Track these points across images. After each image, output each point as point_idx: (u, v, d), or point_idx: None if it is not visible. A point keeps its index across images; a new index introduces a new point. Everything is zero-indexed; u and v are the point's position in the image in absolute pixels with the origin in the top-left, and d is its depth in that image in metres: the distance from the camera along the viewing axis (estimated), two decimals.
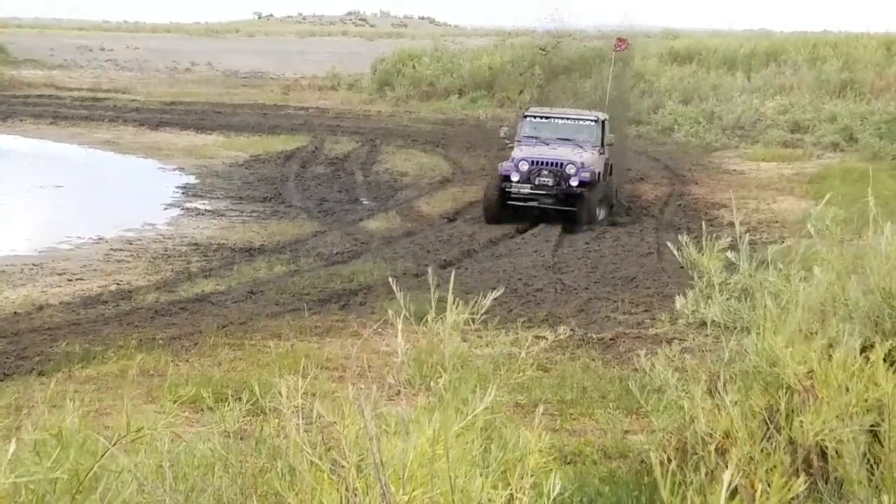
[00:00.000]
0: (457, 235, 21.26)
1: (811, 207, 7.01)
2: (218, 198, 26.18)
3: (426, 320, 5.87)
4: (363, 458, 4.02)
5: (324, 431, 4.52)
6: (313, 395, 4.89)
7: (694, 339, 7.01)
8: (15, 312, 14.92)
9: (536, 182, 22.18)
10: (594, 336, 12.69)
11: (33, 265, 18.35)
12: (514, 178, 22.23)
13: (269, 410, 5.11)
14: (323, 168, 30.80)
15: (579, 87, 41.21)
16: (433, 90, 46.97)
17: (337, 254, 19.60)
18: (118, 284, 17.12)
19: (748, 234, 6.51)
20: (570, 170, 22.02)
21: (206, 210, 24.45)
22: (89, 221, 22.09)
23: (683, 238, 6.59)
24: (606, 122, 23.80)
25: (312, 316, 14.26)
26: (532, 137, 23.14)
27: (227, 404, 5.49)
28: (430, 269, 6.10)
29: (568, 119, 23.69)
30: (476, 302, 5.10)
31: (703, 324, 6.65)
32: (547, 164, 22.30)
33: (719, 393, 5.55)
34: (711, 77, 41.11)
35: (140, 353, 11.87)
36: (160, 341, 12.72)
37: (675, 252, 6.64)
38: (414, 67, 48.77)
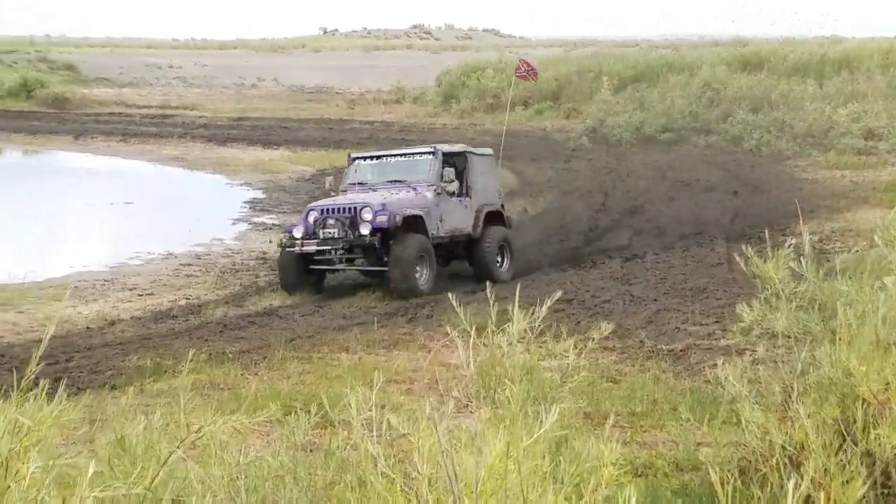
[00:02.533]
0: (523, 247, 21.18)
1: (885, 216, 6.89)
2: (285, 212, 26.32)
3: (489, 332, 5.84)
4: (435, 471, 3.99)
5: (393, 444, 4.51)
6: (382, 407, 4.87)
7: (766, 351, 6.91)
8: (88, 327, 15.10)
9: (322, 235, 17.55)
10: (664, 347, 12.57)
11: (105, 281, 18.57)
12: (297, 233, 17.67)
13: (338, 423, 5.10)
14: None
15: (646, 96, 41.09)
16: (498, 102, 46.90)
17: None
18: (188, 299, 17.26)
19: (821, 243, 6.43)
20: (366, 214, 17.29)
21: (273, 224, 24.59)
22: (159, 237, 22.29)
23: (750, 248, 6.50)
24: (455, 156, 19.27)
25: (380, 329, 14.26)
26: (358, 184, 18.94)
27: (295, 417, 5.49)
28: (487, 283, 6.07)
29: (401, 157, 19.36)
30: (538, 313, 5.07)
31: (775, 335, 6.55)
32: (336, 210, 17.70)
33: (793, 405, 5.47)
34: (782, 85, 40.63)
35: (210, 366, 11.94)
36: (230, 355, 12.77)
37: (741, 262, 6.56)
38: (478, 80, 48.73)
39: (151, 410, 5.06)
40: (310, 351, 13.09)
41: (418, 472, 4.02)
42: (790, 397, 5.59)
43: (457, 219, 18.71)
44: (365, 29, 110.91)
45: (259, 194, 29.36)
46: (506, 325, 5.96)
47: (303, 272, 17.71)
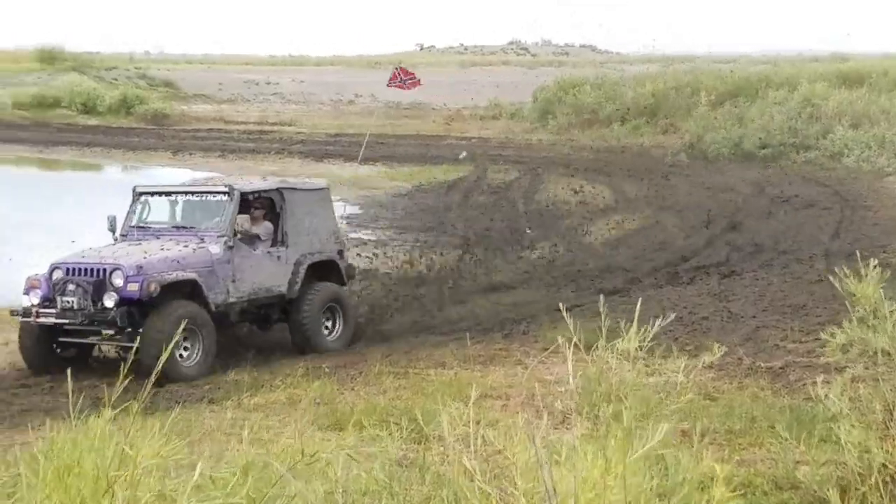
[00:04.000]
0: (620, 263, 21.06)
1: None
2: (381, 227, 26.42)
3: (595, 347, 5.80)
4: (532, 486, 3.99)
5: (489, 459, 4.51)
6: (478, 423, 4.89)
7: (866, 368, 6.80)
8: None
9: (60, 303, 13.92)
10: (763, 365, 12.43)
11: None
12: (35, 298, 14.08)
13: (433, 438, 5.11)
14: (485, 197, 30.85)
15: (745, 112, 40.70)
16: (595, 118, 46.76)
17: (500, 282, 19.60)
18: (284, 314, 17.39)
19: None
20: (117, 279, 13.74)
21: (369, 240, 24.68)
22: None
23: (848, 266, 6.41)
24: (263, 196, 15.54)
25: (475, 345, 14.26)
26: (142, 228, 15.31)
27: (391, 432, 5.50)
28: (601, 297, 6.03)
29: (192, 196, 15.51)
30: (645, 330, 5.04)
31: (875, 353, 6.45)
32: (80, 271, 14.04)
33: (894, 423, 5.38)
34: (882, 101, 40.00)
35: (307, 381, 12.03)
36: (326, 370, 12.87)
37: (834, 281, 6.46)
38: (575, 95, 48.63)
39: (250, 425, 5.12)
40: (406, 366, 13.13)
41: (515, 487, 4.02)
42: (891, 416, 5.51)
43: (262, 275, 15.03)
44: (461, 45, 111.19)
45: (356, 210, 29.52)
46: (607, 342, 5.94)
47: (49, 347, 14.22)
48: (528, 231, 25.83)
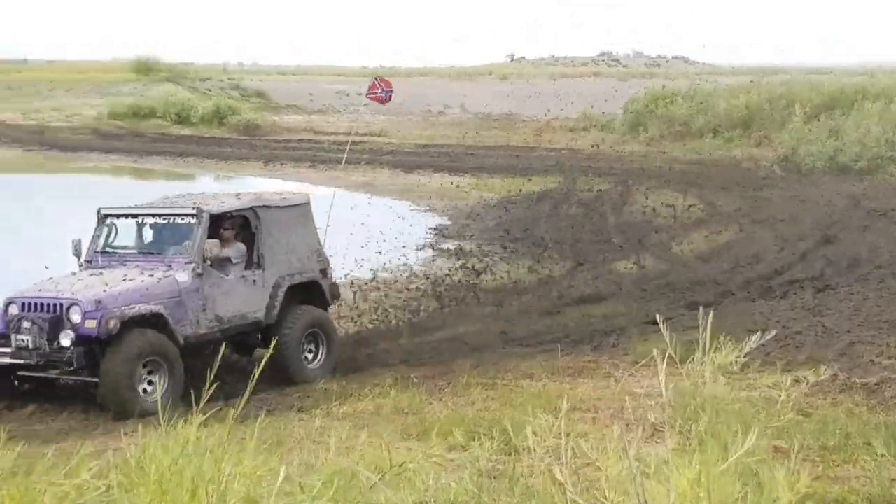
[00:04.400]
0: (711, 276, 20.84)
1: None
2: (469, 239, 26.42)
3: (689, 361, 5.72)
4: (623, 499, 3.93)
5: (579, 472, 4.46)
6: (567, 435, 4.83)
7: None
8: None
9: (14, 342, 12.99)
10: (858, 381, 12.20)
11: None
12: None
13: (522, 450, 5.06)
14: (575, 209, 30.72)
15: (840, 124, 40.09)
16: (687, 130, 46.39)
17: (589, 294, 19.49)
18: (373, 323, 17.46)
19: None
20: (74, 315, 12.74)
21: (458, 250, 24.69)
22: (344, 262, 22.59)
23: None
24: (235, 216, 14.35)
25: (564, 356, 14.19)
26: (109, 253, 14.19)
27: (480, 443, 5.47)
28: (701, 309, 5.91)
29: (159, 218, 14.19)
30: (739, 345, 4.96)
31: None
32: (36, 307, 13.05)
33: None
34: None
35: (395, 391, 12.04)
36: (414, 380, 12.87)
37: None
38: (667, 107, 48.31)
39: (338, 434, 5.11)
40: (494, 377, 13.09)
41: (605, 499, 3.96)
42: None
43: (235, 302, 13.91)
44: (552, 56, 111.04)
45: (445, 220, 29.57)
46: (697, 355, 5.84)
47: (7, 382, 13.28)
48: (618, 243, 25.67)
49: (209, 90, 68.89)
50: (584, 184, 35.15)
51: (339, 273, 21.51)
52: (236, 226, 14.26)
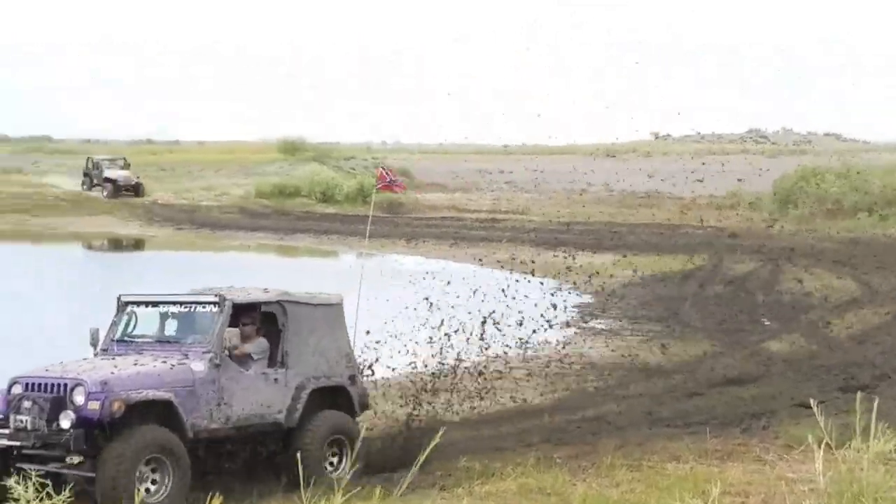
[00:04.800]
0: (867, 358, 20.10)
1: None
2: (614, 317, 26.11)
3: (846, 446, 5.32)
4: None
5: None
6: None
7: None
8: (419, 428, 15.11)
9: (13, 423, 12.11)
10: None
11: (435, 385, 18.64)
12: None
13: None
14: (722, 288, 30.20)
15: None
16: (839, 208, 45.42)
17: (738, 375, 18.96)
18: (515, 402, 17.19)
19: None
20: (78, 396, 11.84)
21: (602, 329, 24.41)
22: (487, 340, 22.33)
23: None
24: (259, 308, 13.37)
25: (713, 439, 13.73)
26: (126, 341, 13.33)
27: None
28: (858, 395, 5.52)
29: (180, 305, 13.39)
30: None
31: None
32: (39, 387, 12.24)
33: None
34: None
35: (538, 471, 11.77)
36: (557, 460, 12.57)
37: None
38: (818, 185, 47.42)
39: None
40: (639, 459, 12.71)
41: None
42: None
43: (254, 399, 12.90)
44: (698, 133, 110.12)
45: (588, 299, 29.27)
46: (853, 441, 5.46)
47: (5, 472, 11.57)
48: (767, 323, 25.08)
49: (353, 169, 69.88)
50: (731, 262, 34.55)
51: (479, 350, 21.29)
52: (259, 320, 13.27)
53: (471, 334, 16.23)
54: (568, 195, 61.08)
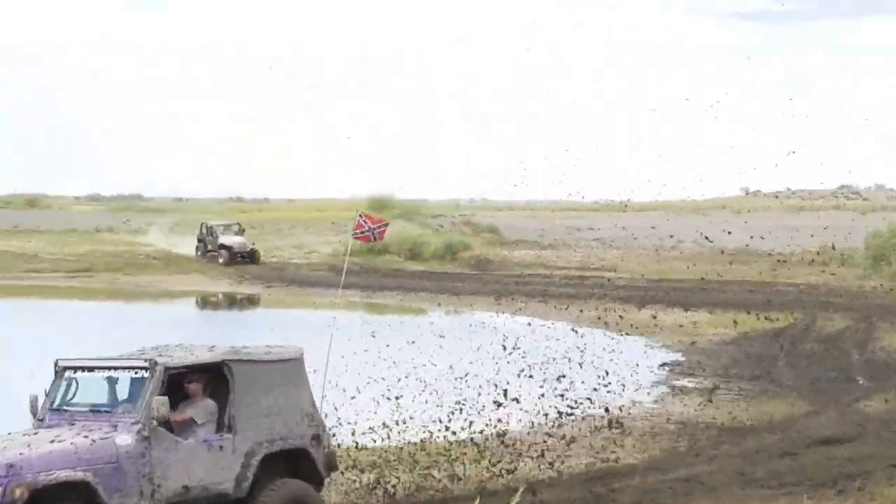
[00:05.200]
0: None
1: None
2: (705, 375, 25.85)
3: None
4: None
5: None
6: None
7: None
8: (508, 488, 15.08)
9: None
10: None
11: (524, 443, 18.59)
12: None
13: None
14: (815, 346, 29.84)
15: None
16: None
17: (832, 435, 18.68)
18: (606, 462, 17.07)
19: None
20: None
21: (693, 388, 24.19)
22: (578, 399, 22.26)
23: None
24: (199, 371, 12.10)
25: (807, 500, 13.55)
26: (61, 410, 12.00)
27: None
28: None
29: (113, 370, 12.04)
30: None
31: None
32: None
33: None
34: None
35: None
36: None
37: None
38: None
39: None
40: None
41: None
42: None
43: (196, 471, 11.59)
44: (789, 189, 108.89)
45: (678, 357, 29.06)
46: None
47: None
48: (861, 381, 24.70)
49: (441, 226, 70.13)
50: (824, 320, 34.14)
51: (567, 407, 21.20)
52: (206, 381, 12.09)
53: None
54: (657, 251, 60.78)
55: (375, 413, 18.30)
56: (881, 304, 37.70)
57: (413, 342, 25.68)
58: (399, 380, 19.80)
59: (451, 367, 21.54)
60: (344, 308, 43.68)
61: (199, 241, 63.48)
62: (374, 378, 20.20)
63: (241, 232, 64.00)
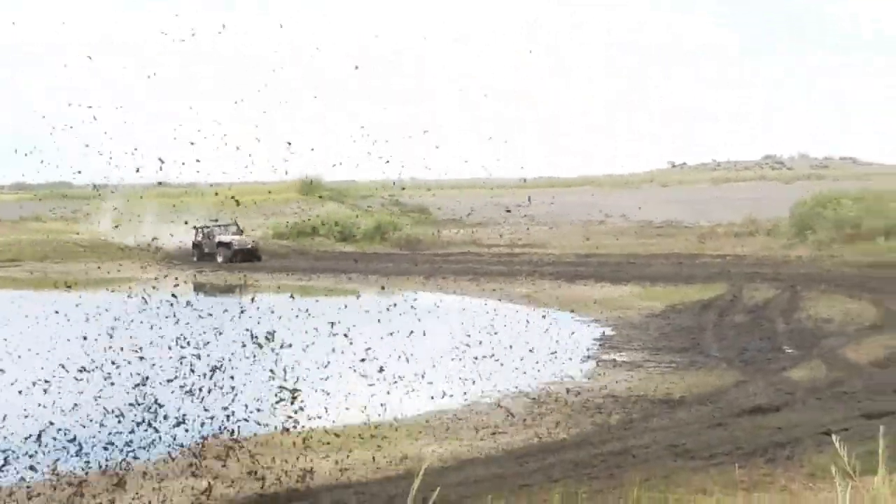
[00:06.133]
0: (890, 384, 20.03)
1: None
2: (635, 349, 26.04)
3: (870, 474, 5.32)
4: None
5: None
6: None
7: None
8: (443, 466, 15.17)
9: None
10: None
11: (457, 419, 18.71)
12: None
13: None
14: (742, 316, 30.13)
15: None
16: (857, 233, 45.30)
17: (760, 405, 18.90)
18: (539, 438, 17.15)
19: None
20: None
21: (623, 362, 24.34)
22: (509, 375, 22.38)
23: None
24: None
25: (738, 469, 13.68)
26: None
27: None
28: (881, 428, 5.54)
29: None
30: None
31: None
32: None
33: None
34: None
35: None
36: (583, 495, 12.51)
37: None
38: (835, 210, 47.35)
39: None
40: (665, 491, 12.66)
41: None
42: None
43: None
44: (714, 161, 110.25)
45: (609, 331, 29.22)
46: (879, 476, 5.46)
47: None
48: (789, 351, 25.00)
49: (370, 207, 69.93)
50: (750, 290, 34.49)
51: (502, 386, 21.31)
52: None
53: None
54: (585, 227, 61.10)
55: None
56: (806, 273, 38.16)
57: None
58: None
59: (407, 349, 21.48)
60: (271, 291, 43.53)
61: (195, 245, 59.20)
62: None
63: (239, 231, 60.25)
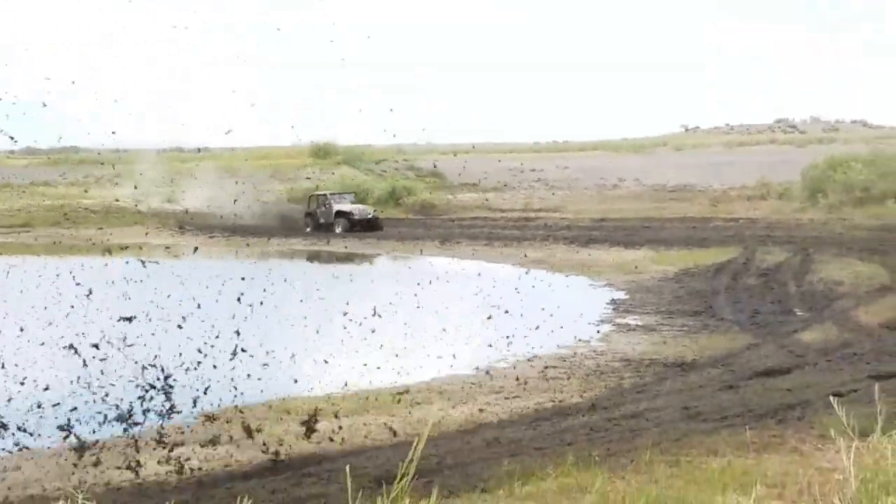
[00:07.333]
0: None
1: None
2: (648, 313, 26.22)
3: (875, 434, 5.57)
4: None
5: None
6: None
7: None
8: (459, 430, 15.42)
9: None
10: None
11: (472, 384, 18.95)
12: None
13: None
14: (754, 279, 30.29)
15: None
16: (868, 195, 45.36)
17: (772, 367, 19.12)
18: (553, 401, 17.38)
19: None
20: None
21: (636, 325, 24.53)
22: (524, 339, 22.59)
23: None
24: None
25: (749, 431, 13.90)
26: None
27: None
28: (876, 386, 5.79)
29: None
30: None
31: None
32: None
33: None
34: None
35: (577, 470, 11.94)
36: (596, 458, 12.74)
37: None
38: (846, 173, 47.38)
39: None
40: (677, 454, 12.86)
41: None
42: None
43: None
44: (727, 125, 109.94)
45: (622, 295, 29.40)
46: (884, 430, 5.69)
47: None
48: (799, 313, 25.18)
49: (384, 171, 70.00)
50: (762, 254, 34.64)
51: (516, 350, 21.55)
52: None
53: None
54: (600, 191, 61.15)
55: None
56: (817, 237, 38.27)
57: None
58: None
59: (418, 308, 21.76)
60: (287, 256, 43.77)
61: (308, 214, 56.25)
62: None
63: (359, 200, 57.57)
